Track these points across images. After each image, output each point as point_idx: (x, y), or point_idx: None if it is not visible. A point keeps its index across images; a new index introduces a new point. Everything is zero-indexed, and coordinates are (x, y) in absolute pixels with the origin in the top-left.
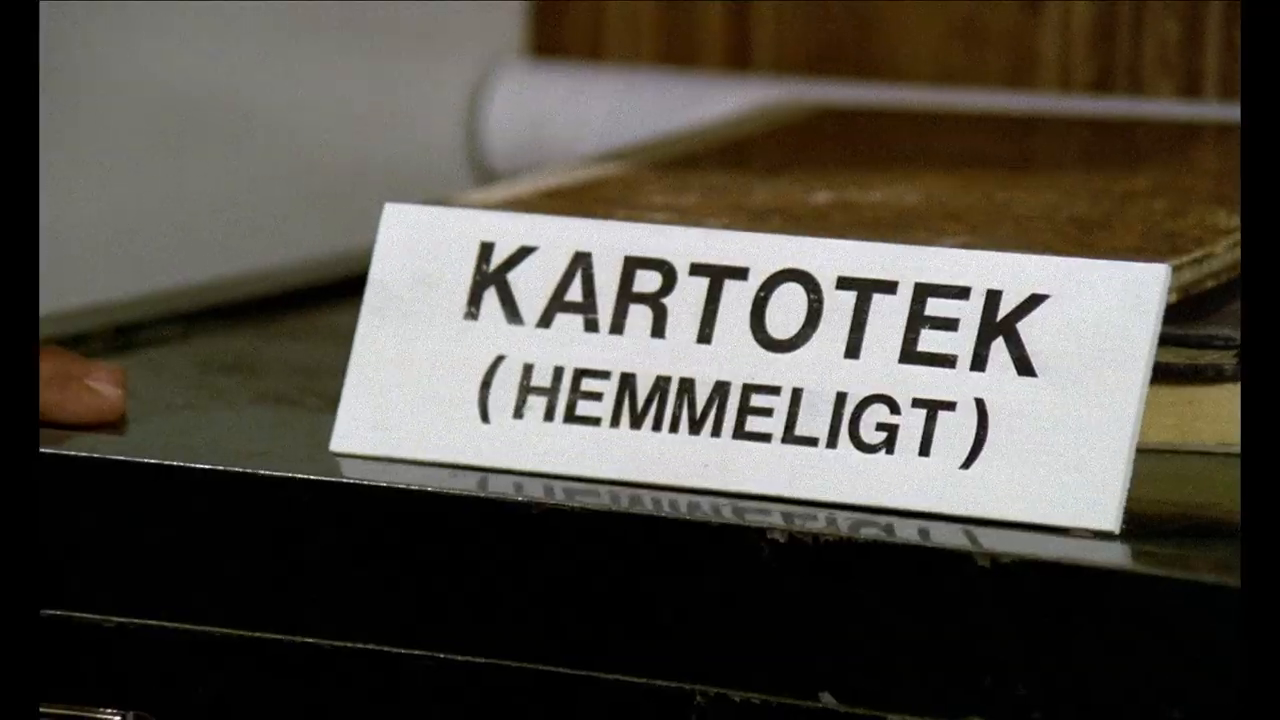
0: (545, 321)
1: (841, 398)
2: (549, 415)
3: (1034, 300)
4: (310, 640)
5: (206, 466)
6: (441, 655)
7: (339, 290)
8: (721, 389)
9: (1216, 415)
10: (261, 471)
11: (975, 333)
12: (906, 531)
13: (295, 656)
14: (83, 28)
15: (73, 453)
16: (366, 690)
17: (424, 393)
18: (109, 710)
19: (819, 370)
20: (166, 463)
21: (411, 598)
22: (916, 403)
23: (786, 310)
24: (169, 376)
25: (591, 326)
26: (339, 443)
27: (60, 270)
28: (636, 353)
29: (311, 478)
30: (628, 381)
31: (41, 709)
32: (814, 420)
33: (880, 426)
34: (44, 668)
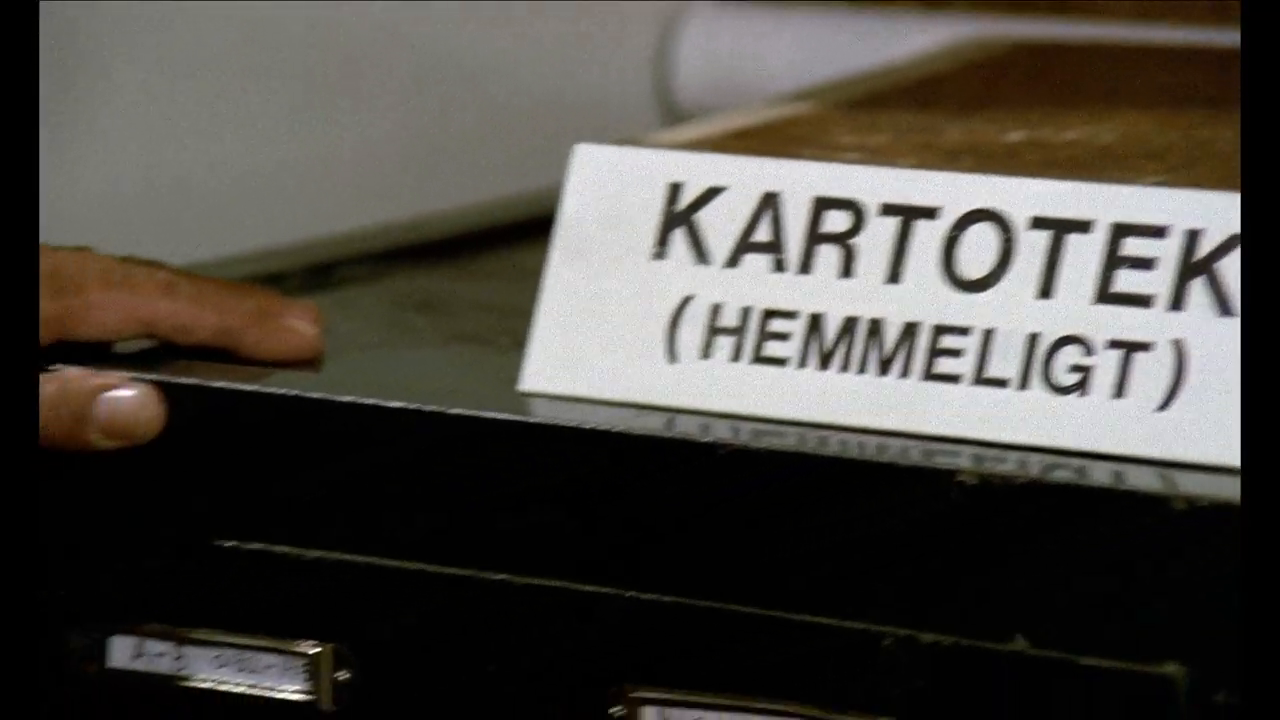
0: (733, 262)
1: (1034, 339)
2: (736, 356)
3: (1235, 240)
4: (501, 577)
5: (399, 405)
6: (629, 594)
7: (529, 230)
8: (911, 330)
9: None
10: (452, 410)
11: (1174, 273)
12: (1100, 474)
13: (487, 592)
14: None
15: (271, 390)
16: (557, 627)
17: (612, 332)
18: (307, 642)
19: (1011, 311)
20: (361, 400)
21: (599, 536)
22: (1111, 344)
23: (978, 250)
24: (362, 315)
25: (780, 267)
26: (528, 382)
27: (256, 211)
28: (825, 293)
29: (501, 417)
30: (816, 322)
31: (241, 641)
32: (1005, 362)
33: (1073, 368)
34: (243, 599)
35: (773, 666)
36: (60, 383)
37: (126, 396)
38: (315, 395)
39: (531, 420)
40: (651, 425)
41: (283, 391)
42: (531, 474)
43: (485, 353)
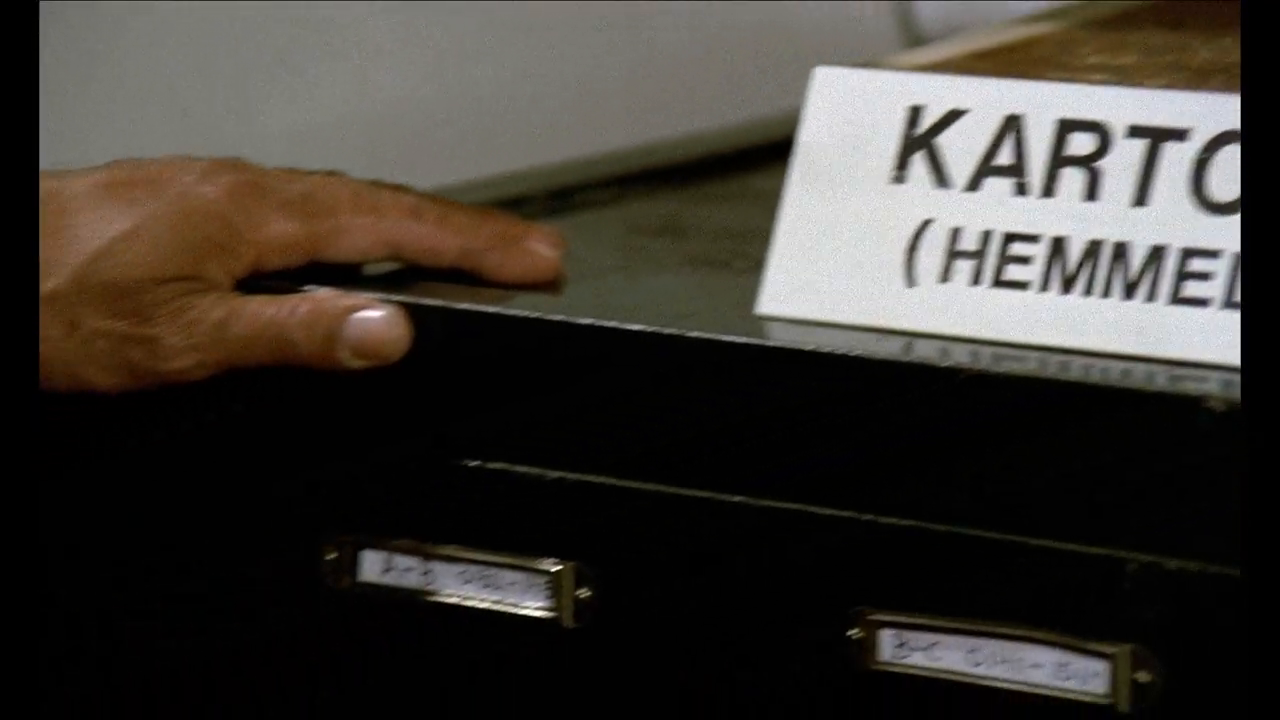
0: (974, 185)
1: None
2: (976, 279)
3: None
4: (739, 499)
5: (637, 328)
6: (867, 517)
7: (767, 154)
8: (1158, 253)
9: None
10: (690, 333)
11: None
12: None
13: (725, 514)
14: None
15: (513, 312)
16: (796, 550)
17: (850, 256)
18: (549, 560)
19: None
20: (600, 323)
21: (837, 461)
22: None
23: (1228, 172)
24: (601, 239)
25: (1022, 190)
26: (766, 305)
27: (496, 135)
28: (1069, 217)
29: (739, 340)
30: (1059, 246)
31: (486, 558)
32: None
33: None
34: (488, 518)
35: (1011, 592)
36: (313, 303)
37: (376, 317)
38: (556, 318)
39: (769, 344)
40: (890, 349)
41: (524, 314)
42: (769, 398)
43: (723, 276)
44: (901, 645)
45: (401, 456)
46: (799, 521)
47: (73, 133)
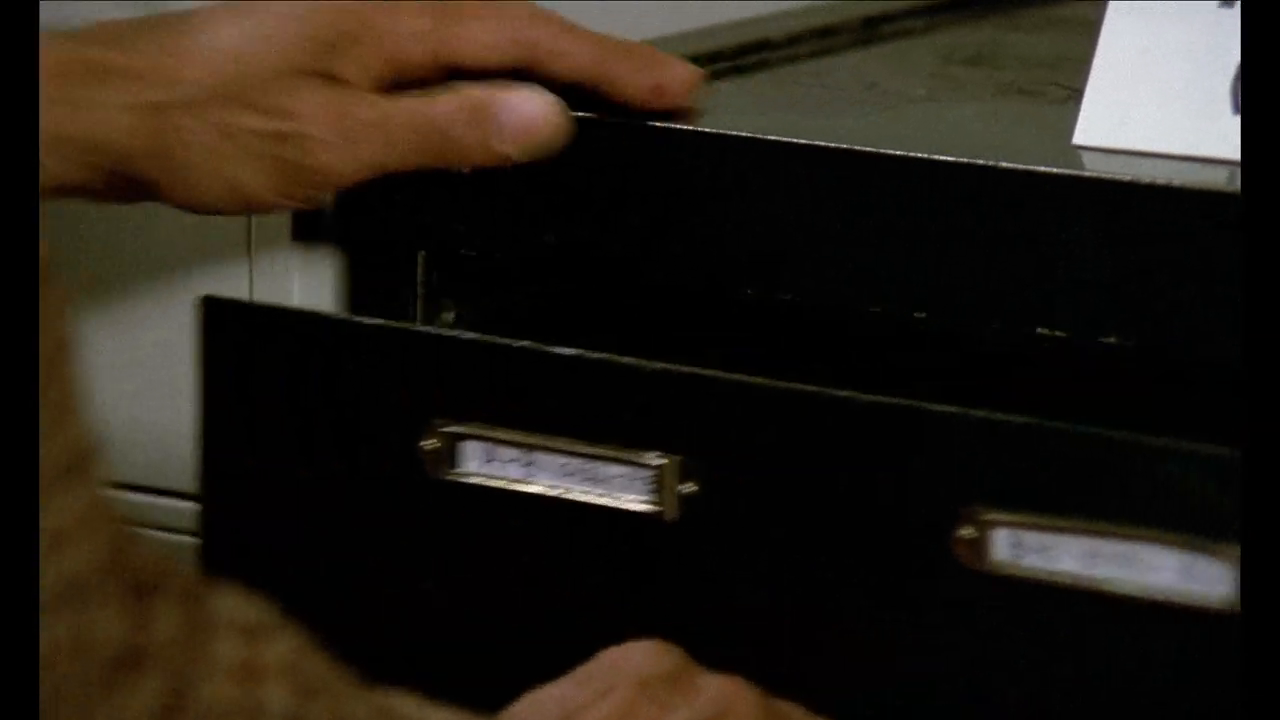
0: None
1: None
2: None
3: None
4: (848, 394)
5: (948, 159)
6: (979, 415)
7: None
8: None
9: None
10: (1003, 164)
11: None
12: None
13: (834, 409)
14: None
15: (806, 141)
16: (906, 446)
17: (1173, 84)
18: (653, 453)
19: None
20: (911, 155)
21: (1157, 295)
22: None
23: None
24: (912, 68)
25: None
26: (1082, 135)
27: None
28: None
29: (1055, 171)
30: None
31: (588, 450)
32: None
33: None
34: (587, 410)
35: (1132, 492)
36: (470, 96)
37: (537, 102)
38: (859, 148)
39: (1087, 175)
40: (1214, 179)
41: (827, 144)
42: (1086, 231)
43: (1037, 106)
44: (1017, 545)
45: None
46: (913, 418)
47: None
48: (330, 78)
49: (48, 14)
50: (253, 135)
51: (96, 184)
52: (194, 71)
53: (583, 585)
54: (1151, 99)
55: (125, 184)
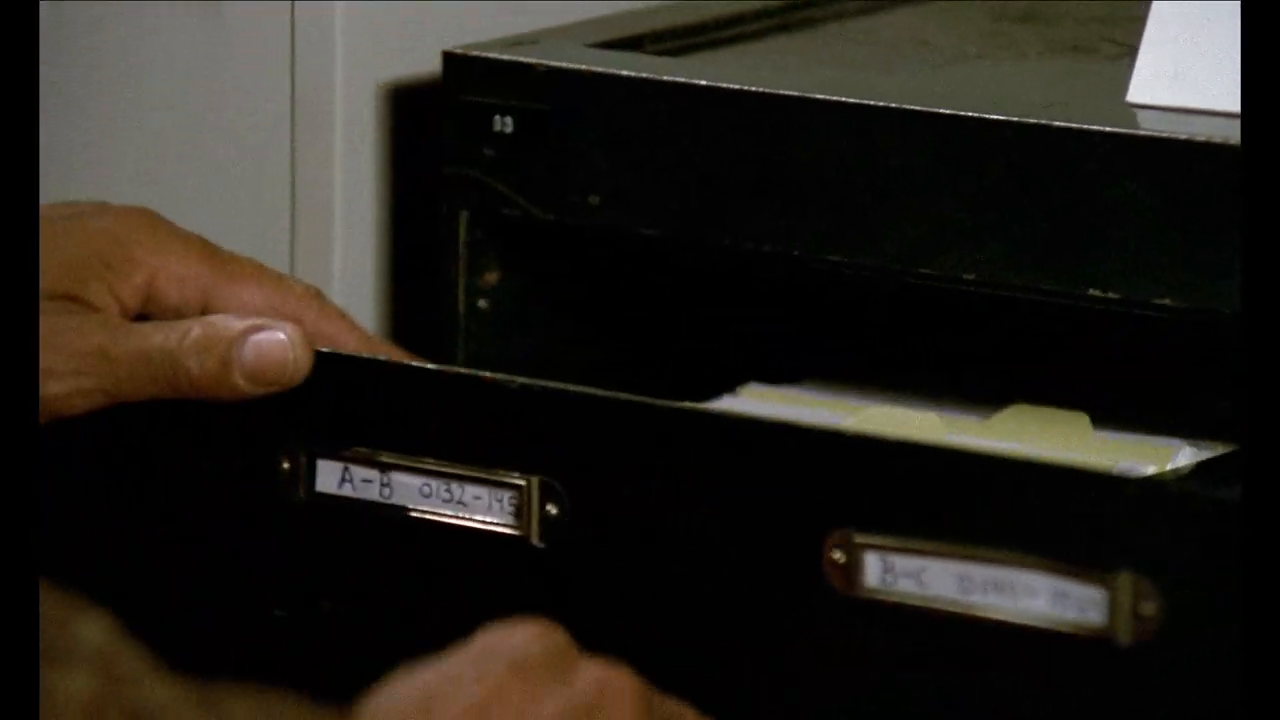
0: None
1: None
2: None
3: None
4: (717, 410)
5: (1000, 117)
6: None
7: None
8: None
9: None
10: (1056, 123)
11: None
12: None
13: (700, 426)
14: None
15: (877, 103)
16: (775, 466)
17: (1227, 41)
18: (514, 473)
19: None
20: (961, 113)
21: (1212, 252)
22: None
23: None
24: (963, 26)
25: None
26: (1137, 93)
27: None
28: None
29: (1109, 129)
30: None
31: (448, 470)
32: None
33: None
34: (447, 427)
35: (1006, 515)
36: (205, 326)
37: (274, 339)
38: (915, 108)
39: (1142, 133)
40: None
41: (869, 102)
42: (1141, 189)
43: (1090, 63)
44: (888, 569)
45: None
46: (783, 436)
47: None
48: (75, 300)
49: (48, 13)
50: None
51: None
52: None
53: (444, 610)
54: (1206, 56)
55: None
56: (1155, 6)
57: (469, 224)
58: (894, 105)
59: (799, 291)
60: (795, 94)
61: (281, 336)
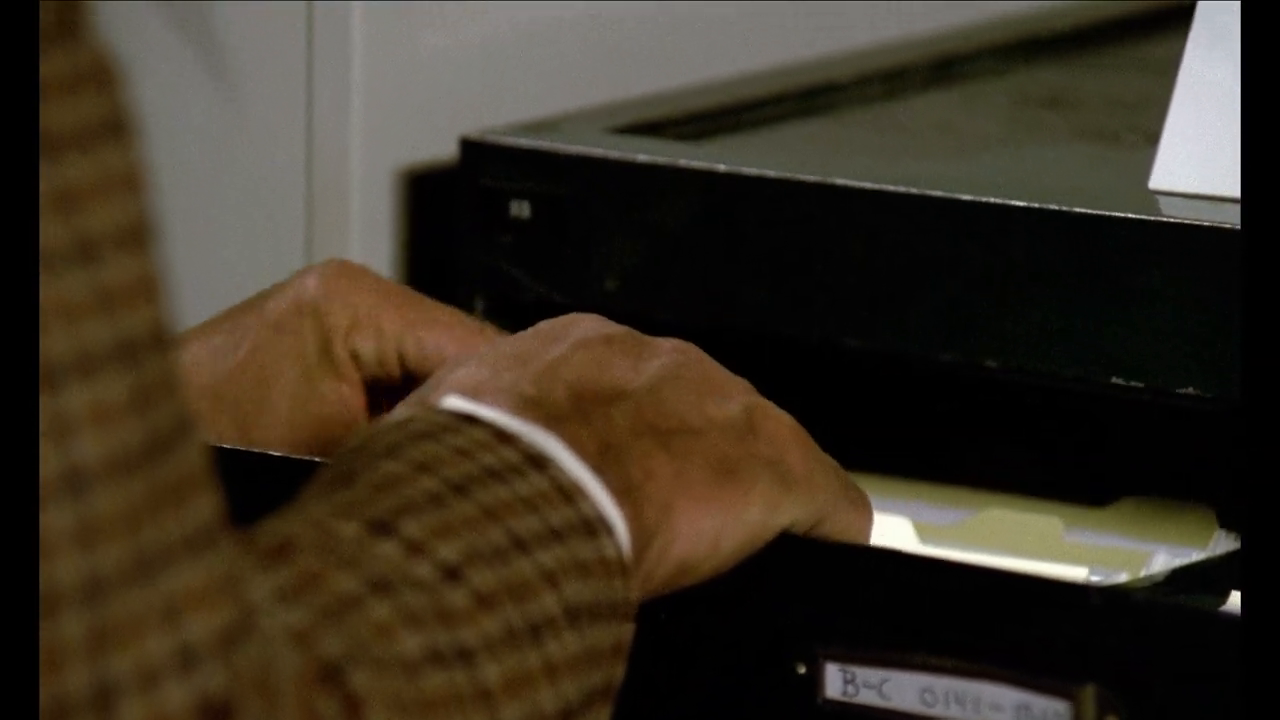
0: None
1: None
2: None
3: None
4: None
5: (1022, 204)
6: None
7: (1163, 20)
8: None
9: None
10: (1078, 209)
11: None
12: None
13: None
14: None
15: (883, 187)
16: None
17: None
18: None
19: None
20: (983, 200)
21: (1234, 341)
22: None
23: None
24: (986, 110)
25: None
26: (1159, 179)
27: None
28: None
29: (1131, 216)
30: None
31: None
32: None
33: None
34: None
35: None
36: None
37: None
38: (935, 193)
39: (1165, 219)
40: None
41: (901, 189)
42: (1164, 276)
43: (1114, 149)
44: (850, 681)
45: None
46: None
47: None
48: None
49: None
50: None
51: None
52: None
53: None
54: (1228, 143)
55: None
56: (1178, 93)
57: (485, 309)
58: (915, 191)
59: (817, 376)
60: (816, 180)
61: None
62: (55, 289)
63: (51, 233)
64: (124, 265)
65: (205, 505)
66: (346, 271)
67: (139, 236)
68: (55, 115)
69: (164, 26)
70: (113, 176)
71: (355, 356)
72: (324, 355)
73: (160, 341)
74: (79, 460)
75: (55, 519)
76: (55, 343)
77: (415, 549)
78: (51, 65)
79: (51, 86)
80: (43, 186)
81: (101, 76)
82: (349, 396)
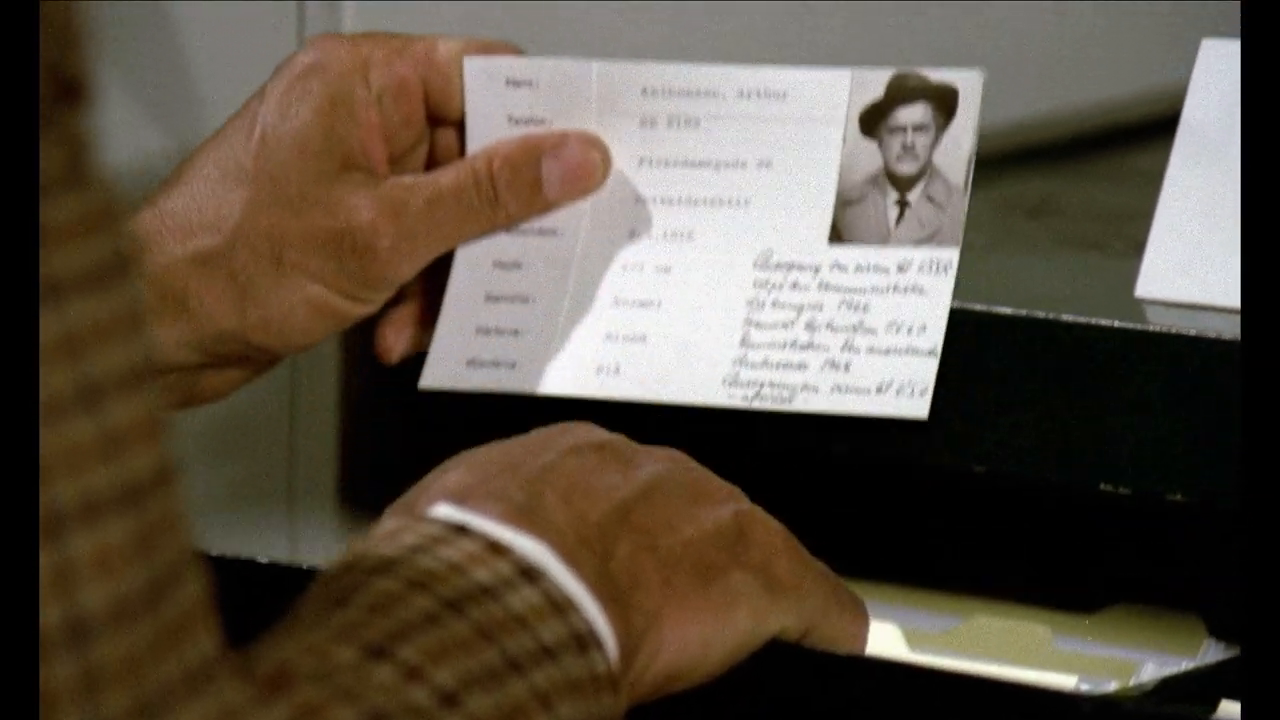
0: None
1: None
2: None
3: None
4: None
5: (1009, 311)
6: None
7: (1146, 131)
8: None
9: None
10: (1065, 318)
11: None
12: None
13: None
14: None
15: None
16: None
17: (1235, 238)
18: None
19: None
20: (968, 306)
21: (1220, 448)
22: None
23: None
24: (971, 219)
25: None
26: (1145, 288)
27: None
28: None
29: (1117, 325)
30: None
31: None
32: None
33: None
34: None
35: None
36: (503, 154)
37: (571, 146)
38: None
39: (1150, 328)
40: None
41: None
42: (1150, 385)
43: (1099, 258)
44: None
45: None
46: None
47: None
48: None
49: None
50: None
51: None
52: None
53: None
54: (1213, 251)
55: None
56: (1162, 202)
57: None
58: None
59: (807, 483)
60: None
61: (575, 141)
62: (61, 436)
63: (58, 379)
64: (128, 407)
65: (205, 640)
66: (337, 36)
67: (141, 376)
68: (64, 260)
69: (154, 26)
70: (117, 317)
71: (377, 96)
72: (342, 100)
73: (163, 480)
74: (83, 610)
75: (59, 670)
76: (61, 491)
77: (413, 674)
78: (62, 211)
79: (63, 232)
80: (50, 332)
81: (108, 218)
82: (368, 137)
